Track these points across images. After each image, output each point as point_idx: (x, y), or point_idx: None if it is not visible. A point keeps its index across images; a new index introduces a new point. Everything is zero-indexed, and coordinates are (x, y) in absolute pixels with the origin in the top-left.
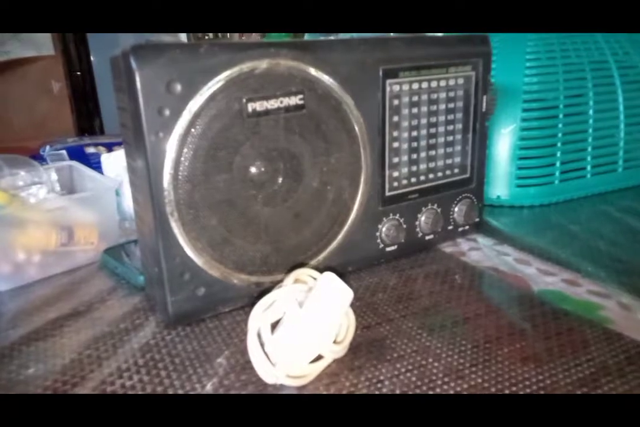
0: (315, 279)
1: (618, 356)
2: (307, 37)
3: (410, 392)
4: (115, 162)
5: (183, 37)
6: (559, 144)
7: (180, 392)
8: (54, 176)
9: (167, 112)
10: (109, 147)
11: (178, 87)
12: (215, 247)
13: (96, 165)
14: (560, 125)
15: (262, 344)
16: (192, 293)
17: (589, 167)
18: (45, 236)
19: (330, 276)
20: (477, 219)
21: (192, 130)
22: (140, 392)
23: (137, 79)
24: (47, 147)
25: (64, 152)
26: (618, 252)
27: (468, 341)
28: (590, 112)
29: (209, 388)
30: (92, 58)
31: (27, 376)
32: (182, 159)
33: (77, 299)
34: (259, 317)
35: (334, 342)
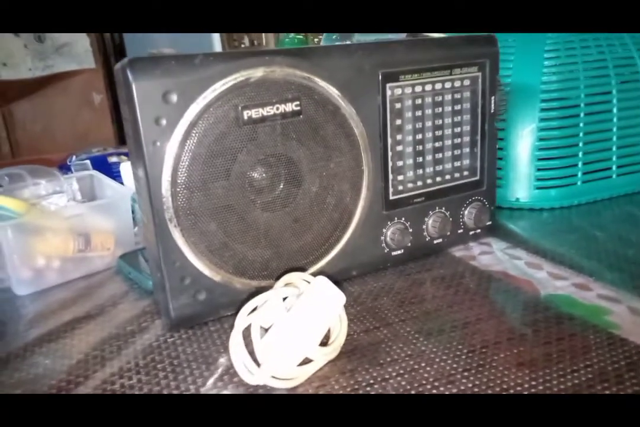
0: (309, 283)
1: (619, 362)
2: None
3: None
4: None
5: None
6: (580, 144)
7: (174, 392)
8: (75, 185)
9: (164, 122)
10: None
11: (174, 97)
12: (215, 252)
13: (117, 174)
14: (581, 125)
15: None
16: (193, 297)
17: (614, 167)
18: (63, 242)
19: (322, 280)
20: (489, 222)
21: (189, 138)
22: (137, 392)
23: (134, 90)
24: (73, 157)
25: (87, 162)
26: (637, 256)
27: (464, 346)
28: (615, 110)
29: (201, 389)
30: None
31: (36, 375)
32: (180, 166)
33: (91, 302)
34: (244, 319)
35: (324, 345)
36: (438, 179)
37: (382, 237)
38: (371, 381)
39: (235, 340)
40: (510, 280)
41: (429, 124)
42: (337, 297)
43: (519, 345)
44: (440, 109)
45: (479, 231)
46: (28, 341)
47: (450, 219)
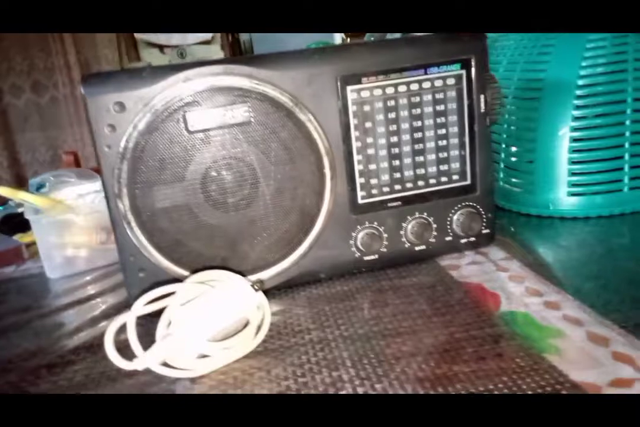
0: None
1: (525, 392)
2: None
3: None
4: None
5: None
6: (626, 145)
7: (102, 370)
8: None
9: (116, 129)
10: None
11: (124, 107)
12: (170, 248)
13: None
14: (628, 123)
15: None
16: (150, 290)
17: None
18: (87, 235)
19: (234, 279)
20: (485, 231)
21: (140, 145)
22: (76, 368)
23: (88, 102)
24: None
25: None
26: None
27: (378, 356)
28: None
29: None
30: None
31: (16, 346)
32: (132, 170)
33: (97, 287)
34: (138, 308)
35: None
36: (420, 183)
37: (352, 242)
38: (265, 381)
39: (115, 324)
40: (477, 293)
41: (405, 126)
42: (242, 298)
43: (434, 361)
44: (419, 111)
45: (473, 239)
46: (30, 317)
47: (435, 225)
